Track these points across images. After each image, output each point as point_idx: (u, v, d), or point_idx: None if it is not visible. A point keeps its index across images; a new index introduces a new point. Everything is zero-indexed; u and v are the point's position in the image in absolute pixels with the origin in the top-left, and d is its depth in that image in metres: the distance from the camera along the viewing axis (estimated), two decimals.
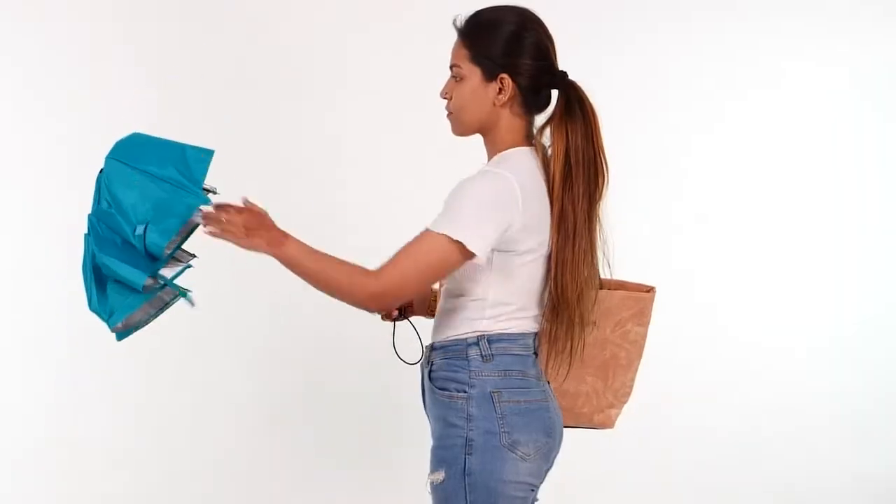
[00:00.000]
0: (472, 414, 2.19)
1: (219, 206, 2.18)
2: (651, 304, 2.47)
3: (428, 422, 2.32)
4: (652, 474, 4.28)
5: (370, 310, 2.19)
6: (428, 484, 2.26)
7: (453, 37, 2.29)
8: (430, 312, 2.50)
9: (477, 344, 2.21)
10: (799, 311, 4.43)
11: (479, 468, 2.18)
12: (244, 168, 4.07)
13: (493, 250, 2.17)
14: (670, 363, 4.25)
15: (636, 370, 2.51)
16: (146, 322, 2.34)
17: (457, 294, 2.25)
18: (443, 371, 2.25)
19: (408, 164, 4.09)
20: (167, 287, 2.29)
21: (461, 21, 2.27)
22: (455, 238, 2.11)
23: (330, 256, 2.17)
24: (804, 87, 4.42)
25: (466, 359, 2.22)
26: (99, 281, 2.28)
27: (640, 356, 2.51)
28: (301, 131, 4.11)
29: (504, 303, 2.21)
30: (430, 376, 2.28)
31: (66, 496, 3.91)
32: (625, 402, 2.52)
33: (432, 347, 2.30)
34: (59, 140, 3.97)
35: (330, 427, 4.12)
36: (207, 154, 2.26)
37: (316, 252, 2.17)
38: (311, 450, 4.11)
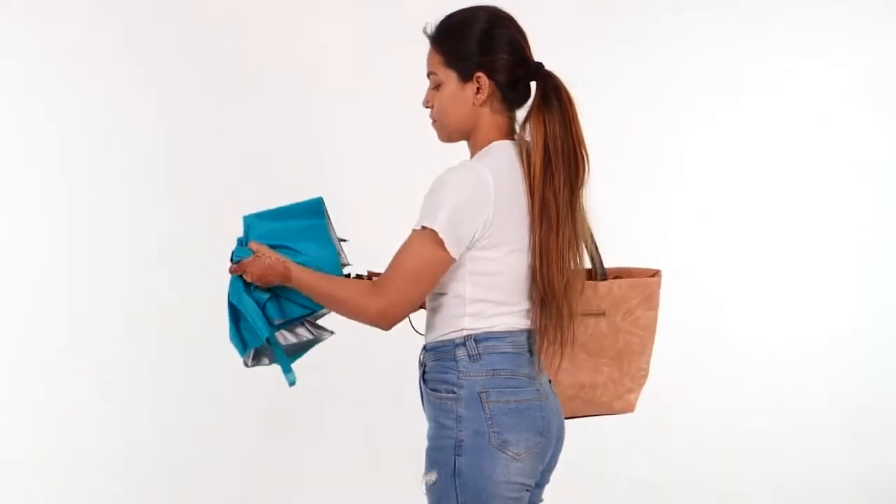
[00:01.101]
0: (461, 415, 2.19)
1: (238, 268, 2.32)
2: (658, 288, 2.49)
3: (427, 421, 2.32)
4: (650, 473, 4.27)
5: (383, 328, 2.23)
6: (423, 484, 2.26)
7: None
8: None
9: (464, 344, 2.21)
10: (800, 310, 4.42)
11: (469, 469, 2.18)
12: (245, 168, 4.08)
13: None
14: (669, 362, 4.24)
15: (650, 353, 2.53)
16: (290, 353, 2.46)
17: (438, 292, 2.25)
18: (434, 372, 2.25)
19: (400, 165, 4.09)
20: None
21: (431, 28, 2.28)
22: (441, 237, 2.13)
23: (334, 278, 2.29)
24: (807, 87, 4.42)
25: (455, 359, 2.22)
26: (234, 315, 2.41)
27: (652, 339, 2.52)
28: (301, 131, 4.11)
29: (482, 299, 2.21)
30: (423, 378, 2.29)
31: (66, 496, 3.91)
32: (643, 385, 2.55)
33: (425, 348, 2.30)
34: (59, 140, 3.97)
35: (329, 427, 4.12)
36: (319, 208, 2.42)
37: (320, 275, 2.29)
38: (310, 449, 4.11)
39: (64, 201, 3.98)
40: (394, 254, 2.18)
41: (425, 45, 2.32)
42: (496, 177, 2.17)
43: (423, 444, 2.28)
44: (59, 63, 3.96)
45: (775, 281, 4.42)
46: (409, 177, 4.04)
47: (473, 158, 2.25)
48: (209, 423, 4.05)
